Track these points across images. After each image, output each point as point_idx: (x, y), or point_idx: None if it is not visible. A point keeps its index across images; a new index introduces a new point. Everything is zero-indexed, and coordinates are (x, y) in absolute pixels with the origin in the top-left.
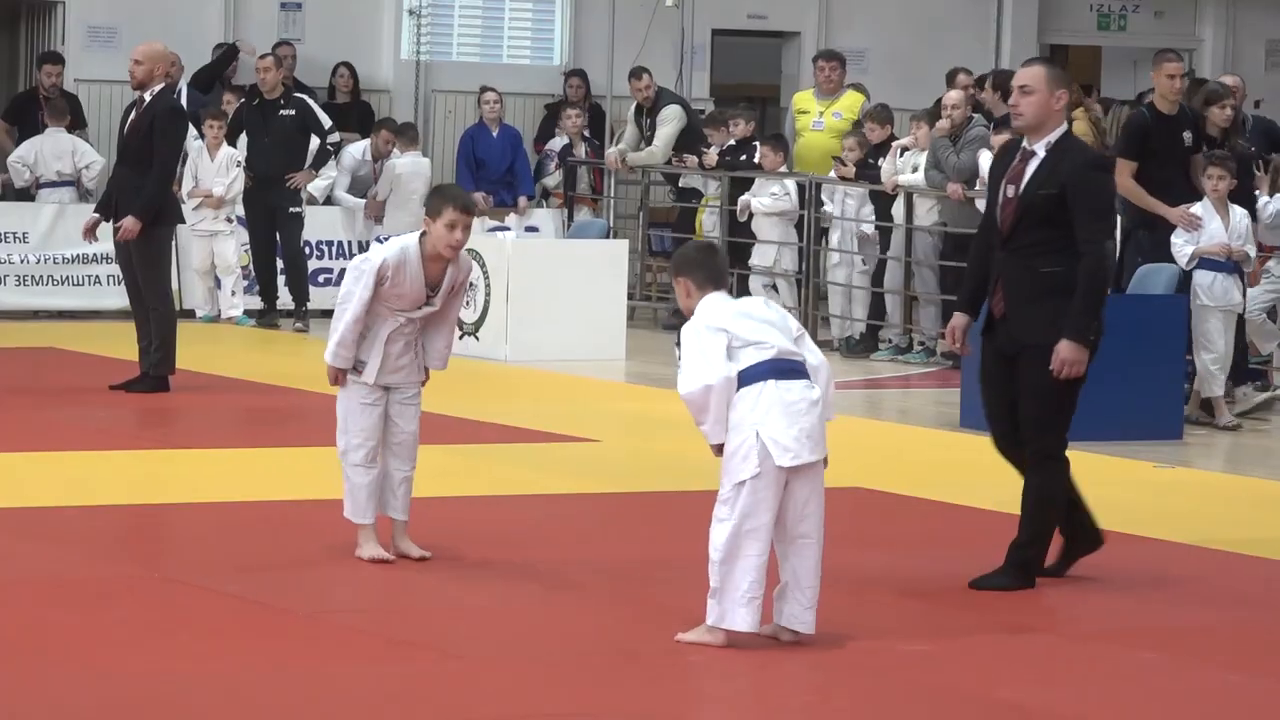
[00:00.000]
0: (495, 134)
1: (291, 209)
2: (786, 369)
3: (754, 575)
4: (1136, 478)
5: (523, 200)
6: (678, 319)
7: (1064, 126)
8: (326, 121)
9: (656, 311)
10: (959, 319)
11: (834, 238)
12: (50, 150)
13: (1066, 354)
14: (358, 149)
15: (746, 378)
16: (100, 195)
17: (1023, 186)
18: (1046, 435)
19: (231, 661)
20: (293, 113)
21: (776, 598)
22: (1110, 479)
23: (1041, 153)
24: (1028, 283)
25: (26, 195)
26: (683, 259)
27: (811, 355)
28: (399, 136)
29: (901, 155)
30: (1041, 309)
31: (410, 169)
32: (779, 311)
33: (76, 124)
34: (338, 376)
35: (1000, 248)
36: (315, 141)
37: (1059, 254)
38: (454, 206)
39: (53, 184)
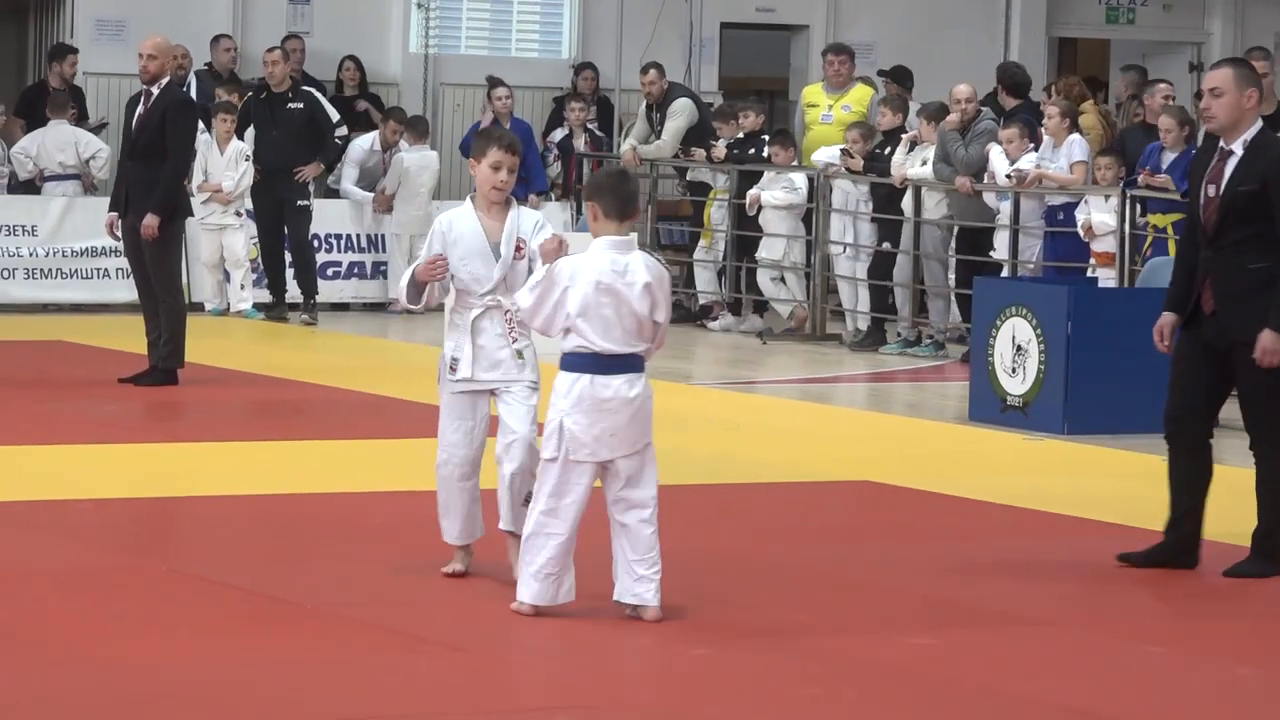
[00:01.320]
0: (506, 128)
1: (299, 202)
2: (608, 365)
3: (551, 553)
4: None
5: (533, 197)
6: (674, 312)
7: (1259, 124)
8: (334, 115)
9: None
10: (1167, 318)
11: (835, 229)
12: (53, 142)
13: (1267, 343)
14: (365, 140)
15: (567, 363)
16: (109, 189)
17: (1223, 186)
18: (1271, 428)
19: (237, 654)
20: (300, 106)
21: (615, 574)
22: None
23: (1239, 151)
24: (1237, 280)
25: (33, 188)
26: (594, 184)
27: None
28: (409, 129)
29: (910, 150)
30: (1251, 305)
31: (418, 163)
32: (639, 290)
33: (81, 117)
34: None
35: (1206, 246)
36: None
37: (1265, 250)
38: (498, 146)
39: (57, 176)
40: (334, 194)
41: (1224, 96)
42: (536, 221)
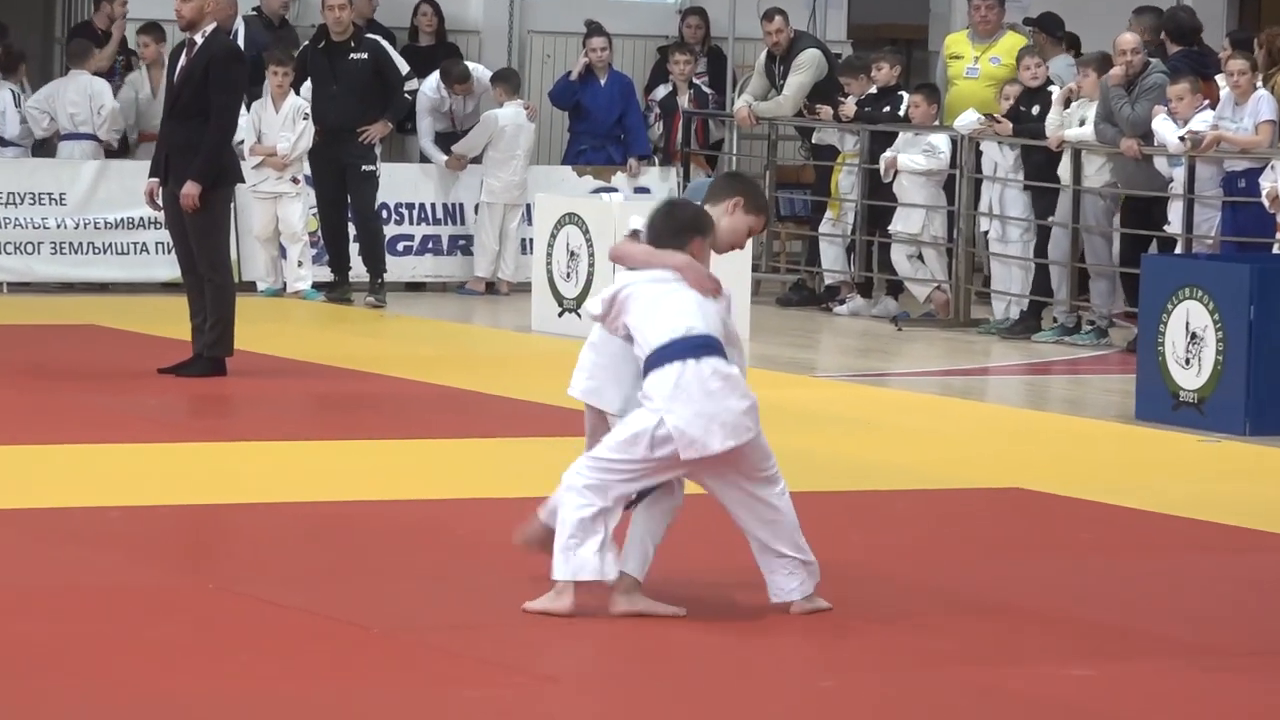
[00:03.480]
0: (604, 82)
1: (364, 167)
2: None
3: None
4: None
5: (634, 161)
6: (795, 294)
7: None
8: (403, 67)
9: (785, 284)
10: None
11: (982, 200)
12: (72, 95)
13: None
14: (430, 86)
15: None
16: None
17: None
18: None
19: (294, 684)
20: (364, 57)
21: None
22: None
23: None
24: None
25: (51, 150)
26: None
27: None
28: (499, 83)
29: (1067, 106)
30: None
31: (513, 121)
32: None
33: (128, 69)
34: None
35: None
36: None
37: None
38: (763, 214)
39: (73, 135)
40: (405, 156)
41: None
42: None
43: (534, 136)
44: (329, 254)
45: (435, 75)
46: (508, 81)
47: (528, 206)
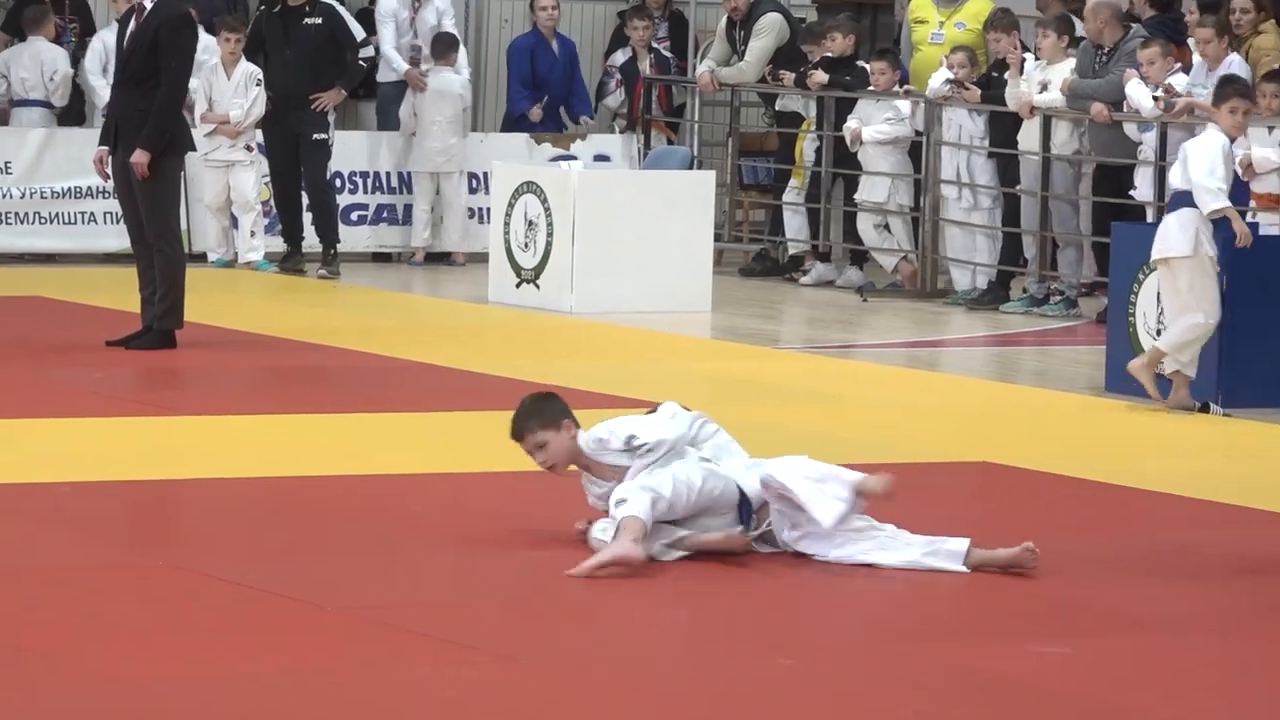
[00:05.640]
0: (556, 48)
1: (315, 136)
2: None
3: None
4: None
5: (584, 119)
6: (758, 263)
7: None
8: (359, 32)
9: (748, 254)
10: None
11: (947, 167)
12: (26, 61)
13: None
14: None
15: None
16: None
17: None
18: None
19: (248, 663)
20: (319, 22)
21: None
22: None
23: None
24: None
25: (4, 118)
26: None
27: None
28: (432, 47)
29: (1022, 73)
30: None
31: (436, 87)
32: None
33: (86, 32)
34: None
35: None
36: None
37: None
38: None
39: (26, 102)
40: (359, 124)
41: None
42: None
43: (463, 103)
44: (281, 224)
45: None
46: (437, 44)
47: (486, 175)
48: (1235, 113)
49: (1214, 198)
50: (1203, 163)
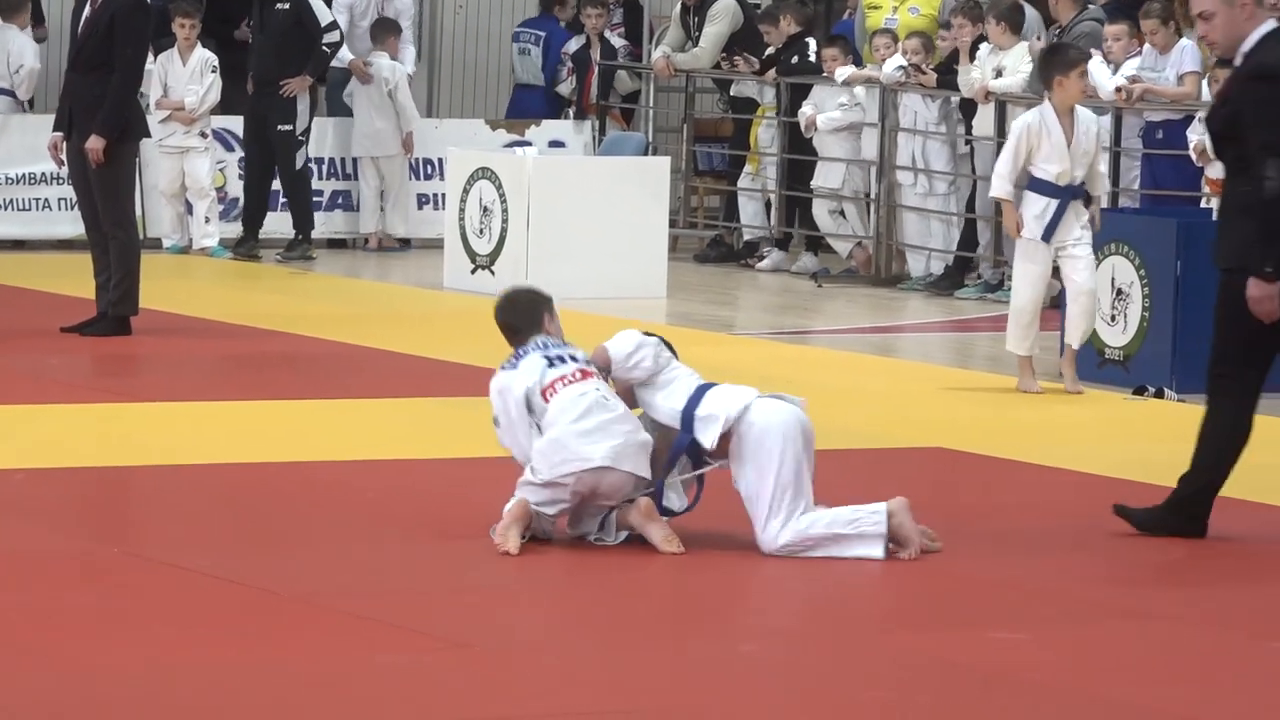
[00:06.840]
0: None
1: (281, 126)
2: None
3: None
4: None
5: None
6: (713, 249)
7: (1261, 30)
8: (326, 17)
9: (703, 240)
10: None
11: (902, 153)
12: None
13: (1250, 290)
14: None
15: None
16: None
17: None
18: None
19: (205, 651)
20: (287, 7)
21: None
22: None
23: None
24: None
25: None
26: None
27: None
28: (371, 31)
29: (973, 59)
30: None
31: (375, 73)
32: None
33: (36, 23)
34: None
35: None
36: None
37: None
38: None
39: None
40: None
41: (1214, 18)
42: None
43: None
44: (246, 208)
45: None
46: (377, 28)
47: (440, 161)
48: (1062, 86)
49: (997, 184)
50: (1005, 147)
